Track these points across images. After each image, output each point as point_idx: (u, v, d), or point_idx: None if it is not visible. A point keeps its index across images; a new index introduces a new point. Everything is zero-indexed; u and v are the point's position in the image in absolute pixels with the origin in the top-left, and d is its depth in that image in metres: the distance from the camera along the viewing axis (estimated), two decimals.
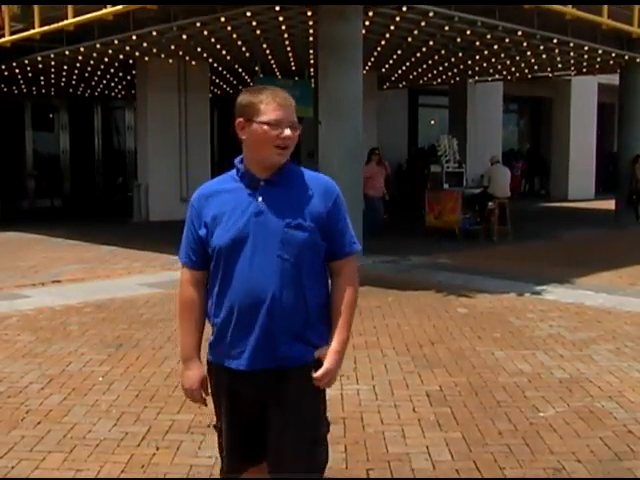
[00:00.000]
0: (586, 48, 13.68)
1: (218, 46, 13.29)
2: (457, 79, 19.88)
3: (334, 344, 2.40)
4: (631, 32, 13.55)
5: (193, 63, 16.01)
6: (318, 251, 2.39)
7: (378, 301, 7.79)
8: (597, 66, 16.78)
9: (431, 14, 10.51)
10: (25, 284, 8.73)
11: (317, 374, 2.37)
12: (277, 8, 10.18)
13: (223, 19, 10.69)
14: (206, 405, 2.56)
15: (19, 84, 18.55)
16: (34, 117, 20.59)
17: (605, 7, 12.38)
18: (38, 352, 5.80)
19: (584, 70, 17.83)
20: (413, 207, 17.10)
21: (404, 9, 10.26)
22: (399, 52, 14.38)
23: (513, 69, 17.54)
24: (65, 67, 15.70)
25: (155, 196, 16.00)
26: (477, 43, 12.96)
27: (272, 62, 15.38)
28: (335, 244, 2.42)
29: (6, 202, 17.01)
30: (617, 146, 17.51)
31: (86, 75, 17.19)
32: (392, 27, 11.50)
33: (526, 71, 17.89)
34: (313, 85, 14.85)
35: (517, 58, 15.19)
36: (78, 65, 15.35)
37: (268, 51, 13.96)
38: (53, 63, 14.95)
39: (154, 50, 13.98)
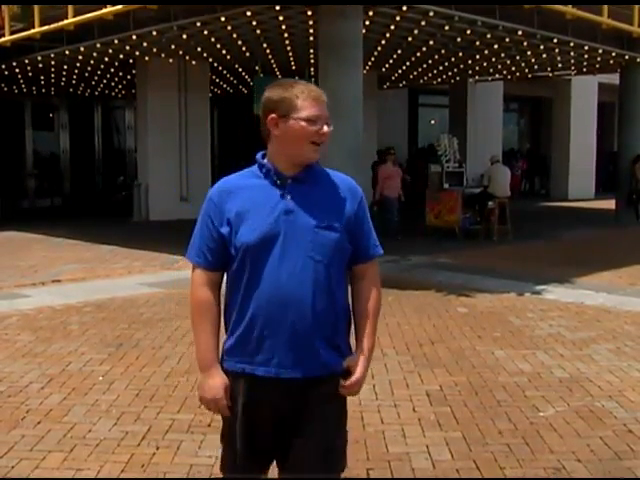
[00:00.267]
0: (586, 48, 13.68)
1: (218, 46, 13.29)
2: (457, 79, 19.88)
3: (364, 352, 2.33)
4: (631, 32, 13.54)
5: (193, 63, 16.01)
6: (345, 254, 2.30)
7: None
8: (597, 66, 16.78)
9: (431, 13, 10.51)
10: (25, 284, 8.73)
11: (347, 383, 2.29)
12: (277, 8, 10.19)
13: (223, 19, 10.69)
14: (232, 415, 2.32)
15: (19, 83, 18.55)
16: (34, 116, 20.60)
17: (605, 7, 12.38)
18: (38, 352, 5.79)
19: (584, 70, 17.83)
20: (413, 207, 17.08)
21: (404, 9, 10.26)
22: (399, 52, 14.38)
23: (513, 69, 17.54)
24: (65, 66, 15.70)
25: (155, 196, 16.00)
26: (477, 43, 12.96)
27: (272, 62, 15.38)
28: (360, 247, 2.34)
29: (6, 201, 17.03)
30: (617, 146, 17.51)
31: (86, 75, 17.19)
32: (392, 27, 11.51)
33: (526, 71, 17.90)
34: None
35: (517, 58, 15.19)
36: (78, 65, 15.35)
37: (268, 51, 13.96)
38: (53, 63, 14.95)
39: (154, 50, 13.99)
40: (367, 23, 10.66)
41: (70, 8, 11.49)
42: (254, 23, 11.17)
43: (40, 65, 15.22)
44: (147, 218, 15.92)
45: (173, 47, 13.62)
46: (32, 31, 12.36)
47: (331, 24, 9.65)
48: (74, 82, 18.73)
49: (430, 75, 18.61)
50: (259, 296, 2.21)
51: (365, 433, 4.15)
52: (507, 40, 12.68)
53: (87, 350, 5.85)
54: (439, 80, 19.87)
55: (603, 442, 4.02)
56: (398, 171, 13.77)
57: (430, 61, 15.71)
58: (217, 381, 2.29)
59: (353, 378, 2.30)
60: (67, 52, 13.30)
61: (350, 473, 3.64)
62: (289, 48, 13.70)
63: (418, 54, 14.54)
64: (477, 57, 15.02)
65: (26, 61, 14.66)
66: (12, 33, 12.95)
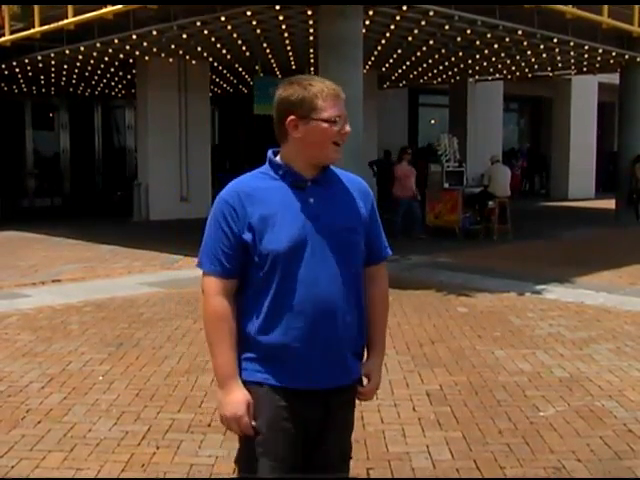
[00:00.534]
0: (586, 47, 13.67)
1: (218, 45, 13.29)
2: (457, 78, 19.87)
3: (379, 357, 2.30)
4: (631, 31, 13.54)
5: (193, 62, 16.00)
6: (364, 256, 2.25)
7: None
8: (597, 65, 16.77)
9: (431, 13, 10.50)
10: (25, 283, 8.73)
11: (365, 389, 2.26)
12: (277, 7, 10.18)
13: (223, 18, 10.69)
14: (257, 434, 2.12)
15: (19, 83, 18.55)
16: (34, 116, 20.60)
17: (605, 6, 12.38)
18: (38, 351, 5.80)
19: (584, 69, 17.82)
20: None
21: (404, 8, 10.25)
22: (399, 51, 14.37)
23: (513, 68, 17.53)
24: (65, 66, 15.70)
25: (155, 195, 16.00)
26: (477, 42, 12.96)
27: (272, 61, 15.37)
28: (374, 248, 2.29)
29: (6, 201, 17.02)
30: (617, 146, 17.51)
31: (86, 74, 17.18)
32: (392, 26, 11.50)
33: (526, 70, 17.89)
34: None
35: (517, 57, 15.18)
36: (78, 64, 15.35)
37: (268, 50, 13.96)
38: (53, 62, 14.95)
39: (154, 49, 13.98)
40: (367, 23, 10.66)
41: (70, 8, 11.50)
42: (254, 23, 11.17)
43: (40, 65, 15.22)
44: (147, 218, 15.92)
45: (173, 47, 13.62)
46: (32, 31, 12.36)
47: (331, 24, 9.65)
48: (74, 82, 18.73)
49: (430, 75, 18.60)
50: (292, 304, 2.09)
51: (365, 433, 4.14)
52: (507, 40, 12.68)
53: (87, 350, 5.85)
54: (439, 80, 19.86)
55: (603, 442, 4.02)
56: (413, 170, 13.68)
57: (430, 61, 15.71)
58: (238, 396, 2.12)
59: (372, 384, 2.27)
60: (67, 52, 13.29)
61: (350, 473, 3.64)
62: (289, 48, 13.70)
63: (418, 54, 14.53)
64: (477, 57, 15.02)
65: (26, 61, 14.66)
66: (12, 33, 12.95)
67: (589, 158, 24.30)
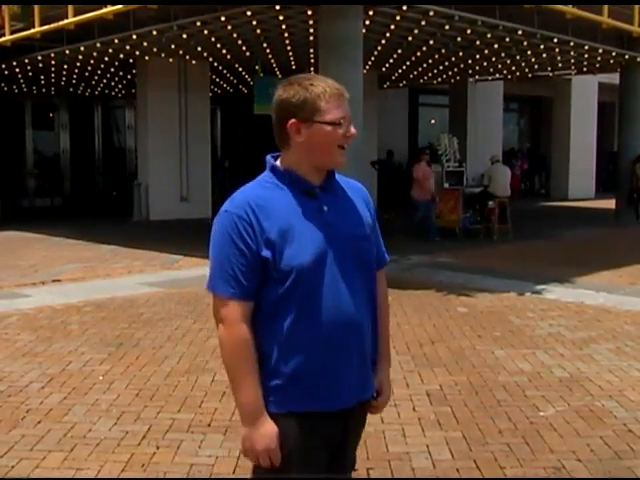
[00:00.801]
0: (586, 47, 13.68)
1: (218, 45, 13.29)
2: (457, 78, 19.88)
3: (387, 366, 2.22)
4: (631, 31, 13.55)
5: (193, 62, 16.01)
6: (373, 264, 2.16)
7: None
8: (597, 65, 16.78)
9: (431, 13, 10.51)
10: (25, 283, 8.73)
11: (378, 403, 2.19)
12: (277, 7, 10.19)
13: (223, 18, 10.69)
14: (285, 464, 2.01)
15: (19, 83, 18.55)
16: (34, 116, 20.60)
17: (605, 6, 12.38)
18: (38, 351, 5.80)
19: (584, 69, 17.83)
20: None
21: (404, 8, 10.26)
22: (399, 51, 14.37)
23: (513, 68, 17.54)
24: (65, 66, 15.70)
25: (155, 195, 16.01)
26: (477, 42, 12.96)
27: (272, 61, 15.38)
28: (377, 254, 2.19)
29: (6, 201, 17.03)
30: (617, 145, 17.52)
31: (86, 74, 17.19)
32: (392, 26, 11.50)
33: (526, 70, 17.89)
34: None
35: (517, 57, 15.19)
36: (78, 64, 15.36)
37: (268, 50, 13.96)
38: (53, 62, 14.96)
39: (154, 49, 13.99)
40: (367, 23, 10.67)
41: (70, 8, 11.50)
42: (254, 23, 11.17)
43: (40, 65, 15.22)
44: (147, 218, 15.92)
45: (173, 47, 13.62)
46: (32, 31, 12.37)
47: (331, 24, 9.65)
48: (74, 82, 18.74)
49: (430, 75, 18.61)
50: (319, 322, 1.95)
51: (365, 433, 4.08)
52: (507, 40, 12.68)
53: (87, 350, 5.85)
54: (439, 80, 19.87)
55: (603, 442, 4.02)
56: (431, 172, 13.33)
57: (430, 61, 15.71)
58: (268, 429, 1.96)
59: (384, 397, 2.20)
60: (67, 52, 13.30)
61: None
62: (289, 48, 13.70)
63: (418, 54, 14.54)
64: (477, 57, 15.02)
65: (26, 61, 14.67)
66: (12, 33, 12.96)
67: (589, 158, 24.31)
